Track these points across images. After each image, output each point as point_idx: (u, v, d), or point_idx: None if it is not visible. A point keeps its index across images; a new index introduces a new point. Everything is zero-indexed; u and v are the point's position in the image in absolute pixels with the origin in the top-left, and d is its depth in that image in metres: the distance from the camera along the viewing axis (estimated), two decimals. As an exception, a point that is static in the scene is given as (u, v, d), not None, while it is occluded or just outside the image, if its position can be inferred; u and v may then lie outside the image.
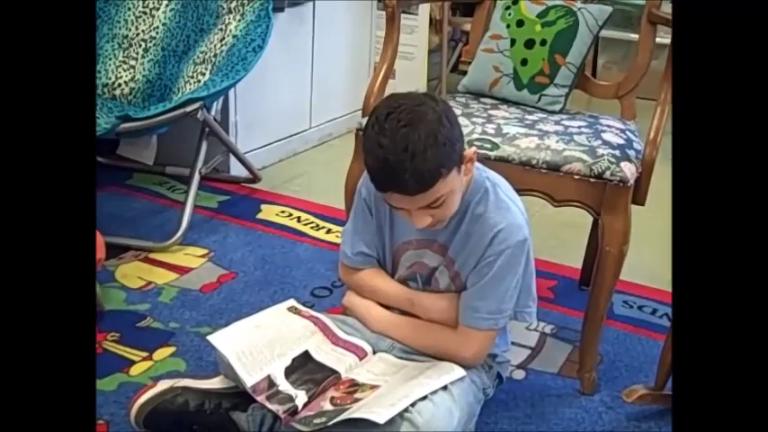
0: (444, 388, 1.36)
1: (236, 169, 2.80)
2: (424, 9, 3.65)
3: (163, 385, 1.48)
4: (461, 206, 1.42)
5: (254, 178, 2.76)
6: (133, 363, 1.74)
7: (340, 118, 3.38)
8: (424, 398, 1.32)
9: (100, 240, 1.93)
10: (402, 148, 1.24)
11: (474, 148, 1.39)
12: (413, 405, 1.29)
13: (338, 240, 2.35)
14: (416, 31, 3.67)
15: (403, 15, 2.04)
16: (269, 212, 2.59)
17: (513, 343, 1.70)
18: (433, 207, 1.32)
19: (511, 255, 1.41)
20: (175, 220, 2.33)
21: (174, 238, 2.28)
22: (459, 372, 1.40)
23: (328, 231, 2.46)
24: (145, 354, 1.77)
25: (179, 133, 2.55)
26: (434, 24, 3.85)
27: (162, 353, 1.78)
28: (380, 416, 1.25)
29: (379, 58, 1.97)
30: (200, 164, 2.45)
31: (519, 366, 1.80)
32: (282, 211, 2.59)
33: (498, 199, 1.44)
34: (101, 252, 1.94)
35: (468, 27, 3.16)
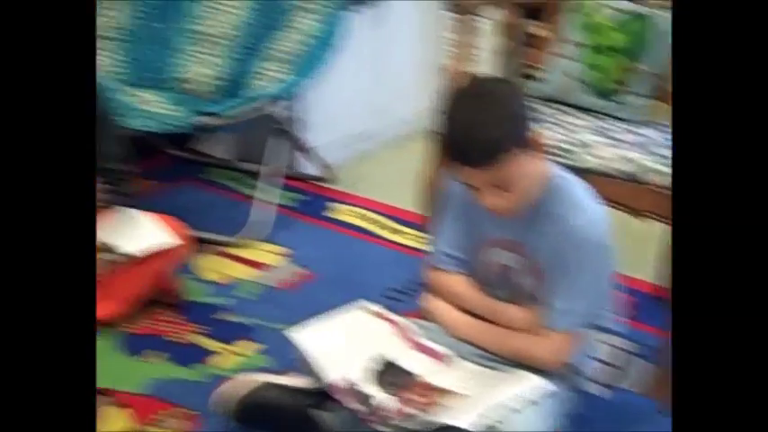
0: (532, 401, 1.36)
1: (308, 167, 2.81)
2: (494, 12, 3.63)
3: (247, 379, 1.51)
4: (539, 204, 1.42)
5: (327, 177, 2.77)
6: (214, 354, 1.79)
7: (413, 118, 3.39)
8: (511, 408, 1.32)
9: (184, 232, 1.97)
10: (470, 118, 1.30)
11: (545, 133, 1.41)
12: (500, 415, 1.30)
13: (411, 243, 2.35)
14: (485, 34, 3.66)
15: (472, 18, 2.04)
16: (342, 212, 2.57)
17: (596, 359, 1.64)
18: (500, 187, 1.35)
19: (588, 252, 1.40)
20: (248, 216, 2.35)
21: (249, 234, 2.32)
22: (546, 385, 1.40)
23: (401, 233, 2.44)
24: (225, 346, 1.82)
25: (252, 129, 2.58)
26: (504, 28, 3.83)
27: (242, 346, 1.83)
28: (465, 422, 1.26)
29: (449, 61, 1.95)
30: (272, 160, 2.48)
31: (602, 384, 1.71)
32: (356, 212, 2.58)
33: (577, 198, 1.43)
34: (185, 244, 1.97)
35: (538, 31, 3.14)
